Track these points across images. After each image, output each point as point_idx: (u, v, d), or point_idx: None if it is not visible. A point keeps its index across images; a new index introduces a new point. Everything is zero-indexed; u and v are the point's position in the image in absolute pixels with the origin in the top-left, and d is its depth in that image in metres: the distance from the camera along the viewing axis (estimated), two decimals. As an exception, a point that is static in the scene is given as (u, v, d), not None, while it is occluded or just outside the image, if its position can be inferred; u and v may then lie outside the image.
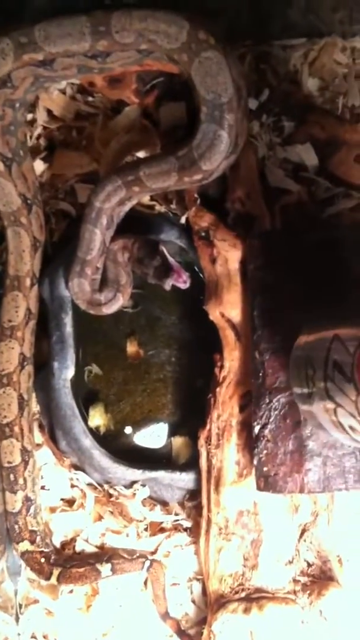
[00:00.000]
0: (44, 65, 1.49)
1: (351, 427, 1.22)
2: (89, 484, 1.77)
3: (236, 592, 1.60)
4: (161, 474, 1.68)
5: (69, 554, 1.75)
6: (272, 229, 1.62)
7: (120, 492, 1.75)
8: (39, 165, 1.79)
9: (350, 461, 1.48)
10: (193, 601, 1.74)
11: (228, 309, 1.58)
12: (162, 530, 1.76)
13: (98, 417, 1.76)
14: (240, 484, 1.59)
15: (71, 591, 1.71)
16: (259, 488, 1.51)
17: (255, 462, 1.50)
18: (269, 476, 1.49)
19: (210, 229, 1.60)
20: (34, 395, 1.77)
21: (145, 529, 1.76)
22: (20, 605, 1.72)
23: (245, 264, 1.57)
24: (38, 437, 1.79)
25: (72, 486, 1.79)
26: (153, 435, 1.78)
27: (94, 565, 1.66)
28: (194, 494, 1.74)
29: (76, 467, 1.78)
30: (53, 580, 1.66)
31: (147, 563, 1.68)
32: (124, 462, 1.68)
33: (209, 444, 1.62)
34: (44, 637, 1.72)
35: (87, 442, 1.66)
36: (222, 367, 1.61)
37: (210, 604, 1.63)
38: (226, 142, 1.44)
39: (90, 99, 1.77)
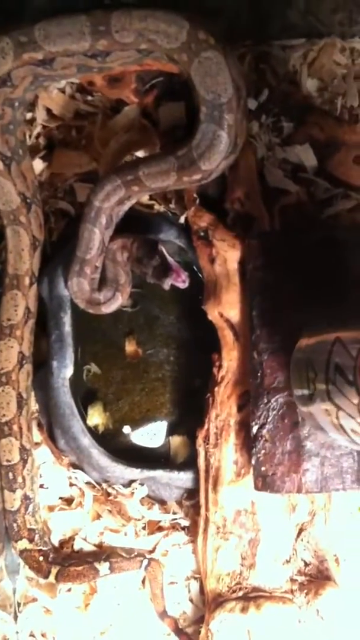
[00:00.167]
0: (44, 64, 1.49)
1: (353, 430, 1.22)
2: (88, 483, 1.77)
3: (234, 591, 1.61)
4: (159, 473, 1.69)
5: (67, 553, 1.75)
6: (271, 229, 1.62)
7: (119, 491, 1.76)
8: (38, 164, 1.78)
9: (348, 462, 1.48)
10: (191, 600, 1.74)
11: (227, 309, 1.59)
12: (160, 529, 1.77)
13: (97, 416, 1.77)
14: (238, 484, 1.59)
15: (69, 590, 1.71)
16: (256, 488, 1.51)
17: (253, 461, 1.51)
18: (266, 476, 1.50)
19: (209, 228, 1.60)
20: (32, 394, 1.77)
21: (144, 528, 1.76)
22: (19, 604, 1.72)
23: (244, 264, 1.58)
24: (37, 435, 1.79)
25: (71, 485, 1.79)
26: (151, 435, 1.78)
27: (92, 564, 1.67)
28: (192, 493, 1.74)
29: (75, 466, 1.78)
30: (51, 578, 1.67)
31: (145, 562, 1.68)
32: (123, 461, 1.69)
33: (207, 444, 1.62)
34: (42, 635, 1.73)
35: (86, 441, 1.67)
36: (220, 366, 1.61)
37: (208, 603, 1.63)
38: (225, 142, 1.44)
39: (89, 98, 1.77)
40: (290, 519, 1.62)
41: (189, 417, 1.72)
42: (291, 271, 1.52)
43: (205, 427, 1.62)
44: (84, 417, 1.70)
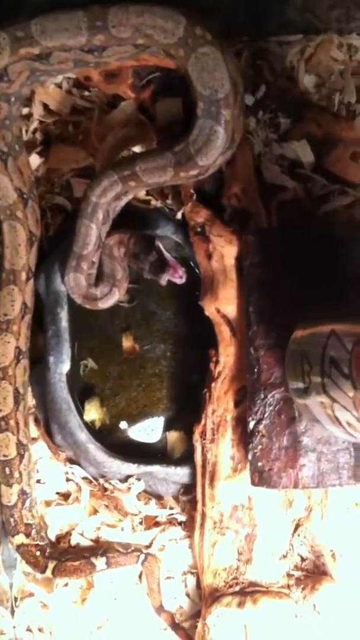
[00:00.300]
0: (40, 59, 1.49)
1: (348, 423, 1.22)
2: (84, 478, 1.78)
3: (230, 586, 1.61)
4: (156, 468, 1.69)
5: (64, 548, 1.75)
6: (268, 225, 1.62)
7: (116, 486, 1.76)
8: (35, 160, 1.78)
9: (344, 457, 1.49)
10: (187, 595, 1.74)
11: (224, 304, 1.59)
12: (157, 524, 1.77)
13: (93, 412, 1.77)
14: (234, 479, 1.60)
15: (66, 584, 1.71)
16: (253, 483, 1.51)
17: (249, 457, 1.51)
18: (263, 471, 1.50)
19: (206, 224, 1.60)
20: (29, 389, 1.77)
21: (140, 523, 1.76)
22: (16, 599, 1.72)
23: (241, 260, 1.58)
24: (34, 430, 1.79)
25: (68, 480, 1.79)
26: (148, 430, 1.78)
27: (89, 559, 1.67)
28: (189, 488, 1.74)
29: (71, 461, 1.78)
30: (48, 573, 1.67)
31: (142, 557, 1.69)
32: (119, 456, 1.68)
33: (204, 439, 1.62)
34: (39, 630, 1.73)
35: (83, 436, 1.67)
36: (217, 362, 1.61)
37: (205, 598, 1.63)
38: (222, 138, 1.44)
39: (86, 93, 1.76)
40: (287, 514, 1.62)
41: (186, 412, 1.72)
42: (288, 267, 1.52)
43: (202, 422, 1.62)
44: (80, 413, 1.70)
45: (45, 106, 1.78)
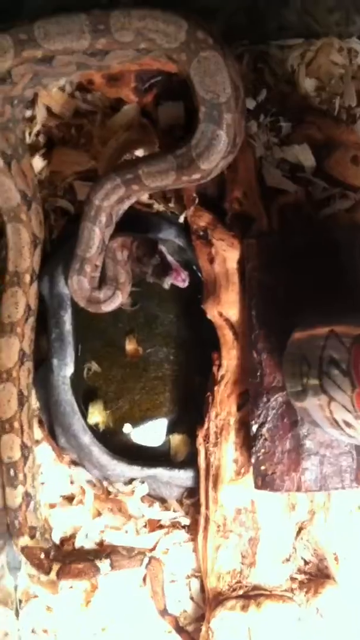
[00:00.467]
0: (43, 62, 1.49)
1: (345, 422, 1.22)
2: (88, 481, 1.78)
3: (234, 590, 1.61)
4: (160, 472, 1.69)
5: (68, 550, 1.76)
6: (269, 229, 1.62)
7: (120, 489, 1.76)
8: (38, 162, 1.79)
9: (347, 460, 1.49)
10: (191, 598, 1.74)
11: (226, 308, 1.59)
12: (161, 527, 1.77)
13: (97, 414, 1.77)
14: (238, 482, 1.60)
15: (71, 587, 1.71)
16: (256, 486, 1.51)
17: (253, 460, 1.51)
18: (266, 475, 1.50)
19: (208, 228, 1.60)
20: (33, 391, 1.77)
21: (144, 526, 1.76)
22: (20, 601, 1.72)
23: (243, 264, 1.58)
24: (38, 433, 1.79)
25: (72, 482, 1.80)
26: (151, 433, 1.78)
27: (93, 561, 1.67)
28: (192, 492, 1.75)
29: (75, 464, 1.79)
30: (52, 575, 1.67)
31: (146, 560, 1.69)
32: (123, 459, 1.69)
33: (207, 442, 1.62)
34: (44, 631, 1.73)
35: (87, 438, 1.67)
36: (220, 365, 1.62)
37: (209, 601, 1.63)
38: (224, 142, 1.44)
39: (89, 96, 1.77)
40: (290, 518, 1.62)
41: (189, 415, 1.73)
42: (289, 270, 1.53)
43: (206, 425, 1.63)
44: (84, 415, 1.71)
45: (48, 109, 1.79)
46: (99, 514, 1.77)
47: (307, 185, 1.68)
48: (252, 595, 1.59)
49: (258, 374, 1.51)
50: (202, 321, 1.64)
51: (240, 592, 1.61)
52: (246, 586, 1.61)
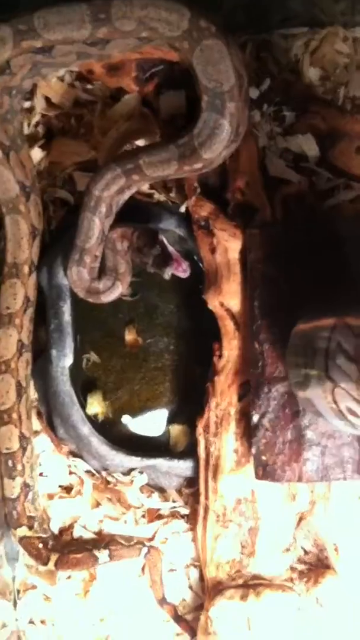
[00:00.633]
0: (43, 52, 1.49)
1: (349, 409, 1.22)
2: (87, 471, 1.78)
3: (233, 579, 1.62)
4: (159, 462, 1.69)
5: (66, 540, 1.75)
6: (272, 219, 1.62)
7: (118, 479, 1.76)
8: (37, 153, 1.77)
9: (349, 451, 1.49)
10: (190, 587, 1.75)
11: (227, 298, 1.59)
12: (160, 517, 1.77)
13: (96, 405, 1.77)
14: (238, 472, 1.60)
15: (69, 577, 1.72)
16: (257, 476, 1.52)
17: (253, 450, 1.51)
18: (267, 465, 1.50)
19: (210, 218, 1.59)
20: (32, 382, 1.77)
21: (143, 516, 1.76)
22: (18, 591, 1.72)
23: (245, 254, 1.57)
24: (36, 424, 1.79)
25: (70, 473, 1.79)
26: (151, 423, 1.78)
27: (92, 551, 1.67)
28: (192, 482, 1.75)
29: (74, 454, 1.78)
30: (51, 565, 1.67)
31: (145, 549, 1.69)
32: (122, 450, 1.69)
33: (207, 433, 1.62)
34: (42, 622, 1.73)
35: (85, 429, 1.67)
36: (221, 356, 1.61)
37: (208, 591, 1.64)
38: (227, 131, 1.44)
39: (89, 86, 1.75)
40: (290, 508, 1.62)
41: (189, 406, 1.72)
42: (292, 261, 1.52)
43: (206, 416, 1.62)
44: (83, 406, 1.70)
45: (48, 99, 1.77)
46: (98, 504, 1.76)
47: (311, 175, 1.68)
48: (251, 585, 1.59)
49: (259, 364, 1.51)
50: (202, 311, 1.63)
51: (240, 582, 1.61)
52: (246, 576, 1.61)
